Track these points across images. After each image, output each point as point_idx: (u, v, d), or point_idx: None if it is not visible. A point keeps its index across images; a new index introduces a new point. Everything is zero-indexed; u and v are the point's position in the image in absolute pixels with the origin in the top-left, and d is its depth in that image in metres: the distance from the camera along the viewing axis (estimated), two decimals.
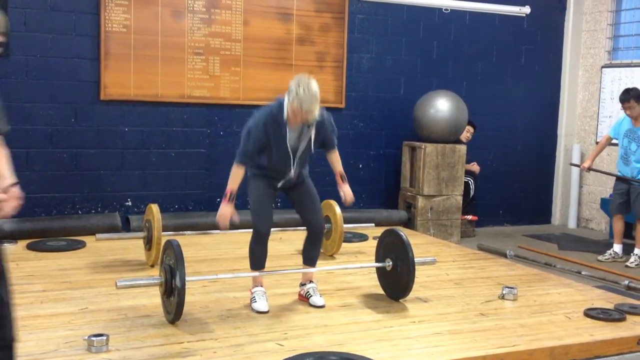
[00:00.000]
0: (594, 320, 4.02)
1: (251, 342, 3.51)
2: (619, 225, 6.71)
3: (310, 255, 4.28)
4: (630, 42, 8.31)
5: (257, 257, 4.12)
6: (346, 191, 4.27)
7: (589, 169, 7.04)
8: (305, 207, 4.21)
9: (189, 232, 5.75)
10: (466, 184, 7.72)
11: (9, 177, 2.28)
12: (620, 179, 6.69)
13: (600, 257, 6.66)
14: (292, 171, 4.04)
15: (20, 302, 3.48)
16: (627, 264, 6.41)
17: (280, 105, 3.88)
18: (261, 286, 4.15)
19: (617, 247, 6.67)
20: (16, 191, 2.22)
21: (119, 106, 6.59)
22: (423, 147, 7.32)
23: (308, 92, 3.72)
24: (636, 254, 6.46)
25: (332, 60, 7.36)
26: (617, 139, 6.76)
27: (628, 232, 6.98)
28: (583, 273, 5.90)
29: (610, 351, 3.69)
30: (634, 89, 6.56)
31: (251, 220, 4.08)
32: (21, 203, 2.26)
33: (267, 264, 4.22)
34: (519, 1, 8.01)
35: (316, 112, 3.78)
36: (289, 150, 3.95)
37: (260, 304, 4.04)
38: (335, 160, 4.27)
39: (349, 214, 6.36)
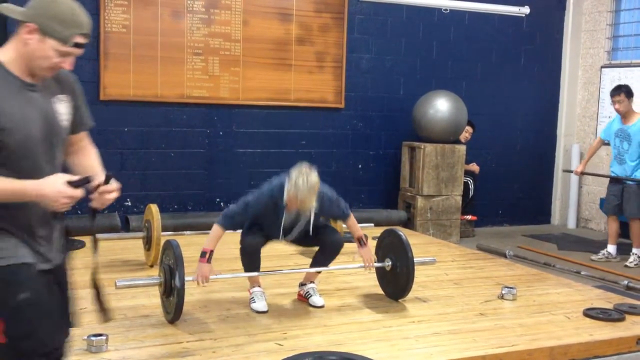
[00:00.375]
0: (593, 320, 4.02)
1: (250, 342, 3.51)
2: (613, 226, 6.70)
3: (319, 263, 4.24)
4: (629, 42, 8.31)
5: (250, 269, 4.11)
6: (365, 255, 4.20)
7: (582, 173, 7.05)
8: (318, 234, 4.15)
9: (188, 232, 5.74)
10: (465, 184, 7.72)
11: (102, 174, 2.37)
12: (614, 180, 6.69)
13: (593, 257, 6.66)
14: (282, 242, 4.12)
15: None
16: (627, 263, 6.41)
17: (281, 188, 3.89)
18: (259, 286, 4.16)
19: (611, 248, 6.67)
20: (112, 185, 2.30)
21: (118, 106, 6.59)
22: (422, 147, 7.32)
23: (306, 184, 3.74)
24: (635, 254, 6.45)
25: (332, 61, 7.36)
26: (608, 140, 6.77)
27: (626, 232, 6.98)
28: (582, 273, 5.91)
29: (609, 351, 3.69)
30: (626, 85, 6.60)
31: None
32: (117, 195, 2.36)
33: (267, 264, 4.22)
34: (518, 1, 8.01)
35: (311, 203, 3.81)
36: (281, 230, 4.02)
37: (259, 304, 4.05)
38: (352, 227, 4.22)
39: None
